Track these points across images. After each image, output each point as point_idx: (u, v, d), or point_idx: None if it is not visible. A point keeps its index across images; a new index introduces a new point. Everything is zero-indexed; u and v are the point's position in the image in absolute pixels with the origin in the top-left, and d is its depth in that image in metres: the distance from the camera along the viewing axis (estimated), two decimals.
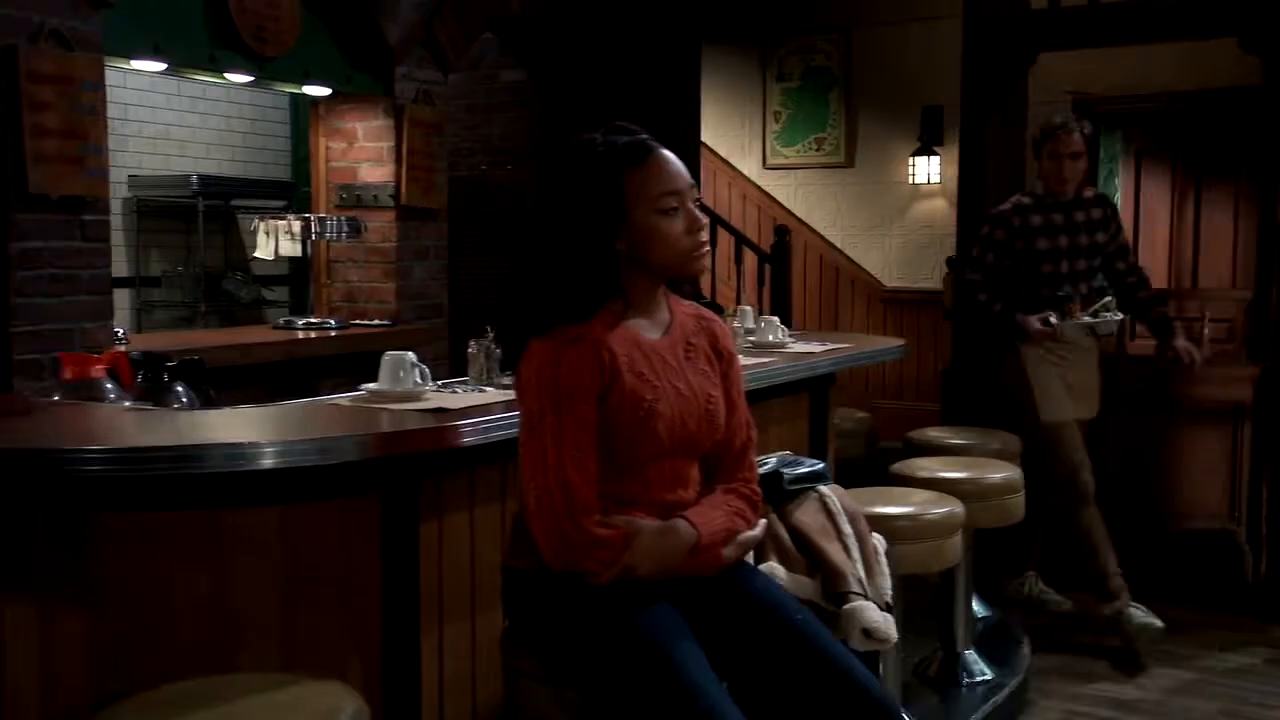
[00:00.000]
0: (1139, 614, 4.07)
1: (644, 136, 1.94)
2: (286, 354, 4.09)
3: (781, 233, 7.23)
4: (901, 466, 3.55)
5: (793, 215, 8.41)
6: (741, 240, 7.62)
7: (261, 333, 4.47)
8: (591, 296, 1.87)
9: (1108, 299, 4.08)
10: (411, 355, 2.37)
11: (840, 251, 8.35)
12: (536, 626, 1.91)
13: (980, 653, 3.67)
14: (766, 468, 2.43)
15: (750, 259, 7.61)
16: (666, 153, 1.94)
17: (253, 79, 4.15)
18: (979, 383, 5.26)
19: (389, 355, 2.36)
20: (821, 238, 8.39)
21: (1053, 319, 4.06)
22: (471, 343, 2.59)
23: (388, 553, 2.17)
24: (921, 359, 7.92)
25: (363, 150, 4.72)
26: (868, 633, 2.22)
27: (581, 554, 1.80)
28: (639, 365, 1.88)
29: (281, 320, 4.52)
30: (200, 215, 6.23)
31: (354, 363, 4.16)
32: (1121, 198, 8.06)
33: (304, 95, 4.67)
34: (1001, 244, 4.18)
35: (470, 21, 4.96)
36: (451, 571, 2.32)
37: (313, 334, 4.36)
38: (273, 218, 4.35)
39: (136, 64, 3.81)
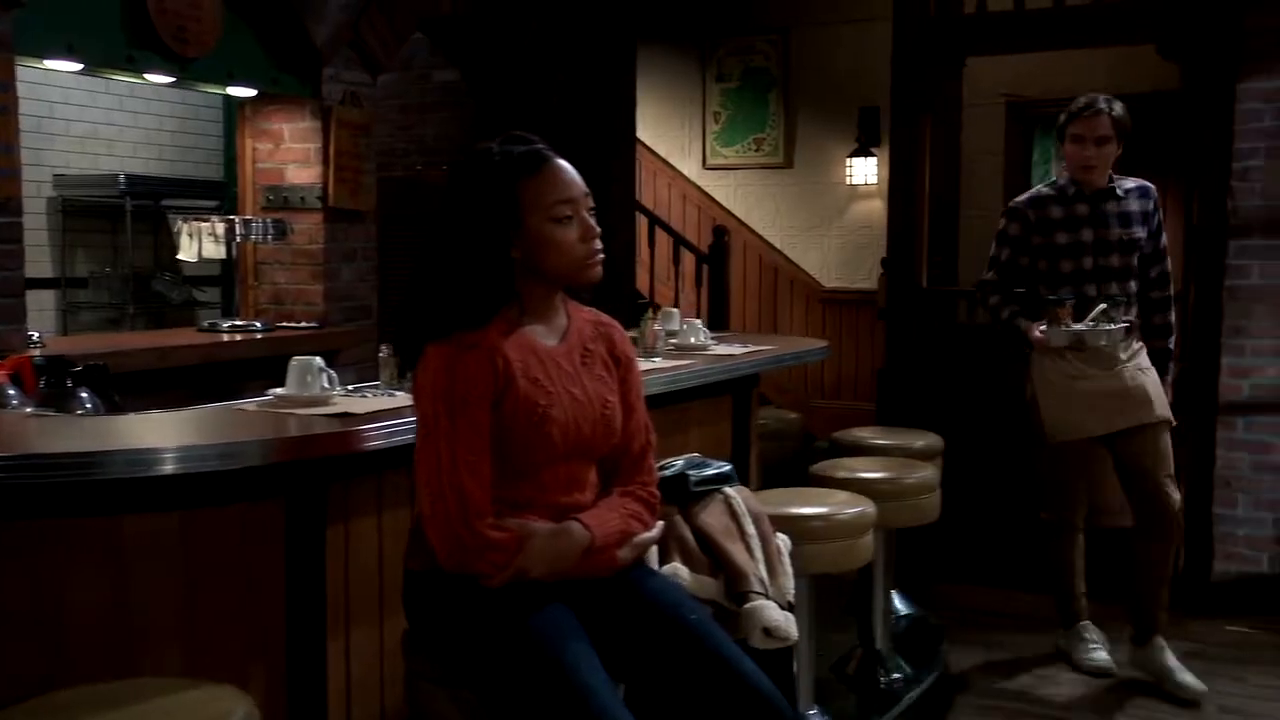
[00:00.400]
0: (1099, 656, 3.95)
1: (540, 146, 2.00)
2: (208, 357, 4.09)
3: (719, 233, 7.32)
4: (821, 467, 3.62)
5: (732, 216, 8.50)
6: (680, 241, 7.70)
7: (184, 335, 4.47)
8: (486, 303, 1.92)
9: (1104, 306, 3.63)
10: (319, 360, 2.41)
11: (779, 252, 8.45)
12: (433, 628, 1.96)
13: (899, 651, 3.76)
14: (673, 470, 2.50)
15: (689, 259, 7.70)
16: (561, 162, 2.00)
17: (174, 80, 4.14)
18: (912, 382, 5.37)
19: (296, 360, 2.39)
20: (761, 238, 8.49)
21: (1042, 327, 3.71)
22: (383, 348, 2.63)
23: (292, 557, 2.21)
24: (860, 359, 8.04)
25: (290, 151, 4.72)
26: (768, 631, 2.29)
27: (475, 557, 1.84)
28: (534, 371, 1.93)
29: (206, 323, 4.51)
30: (128, 215, 6.18)
31: (279, 366, 4.14)
32: None
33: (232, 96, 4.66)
34: (1017, 239, 3.80)
35: (400, 22, 4.99)
36: (359, 575, 2.35)
37: (238, 336, 4.36)
38: (196, 219, 4.35)
39: (50, 64, 3.79)
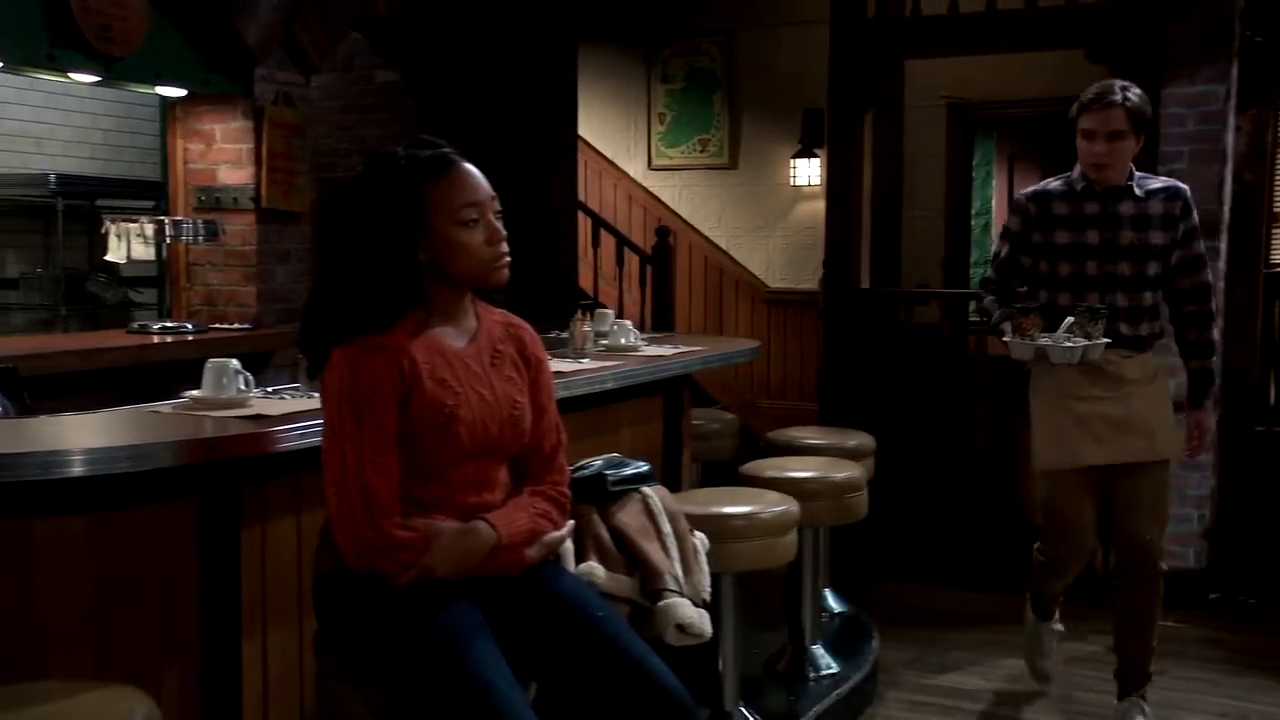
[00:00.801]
0: (1043, 666, 3.79)
1: (446, 150, 2.03)
2: (138, 359, 4.07)
3: (663, 234, 7.37)
4: (750, 467, 3.68)
5: (678, 216, 8.56)
6: (623, 241, 7.75)
7: (112, 337, 4.45)
8: (392, 306, 1.96)
9: (1075, 318, 3.21)
10: (235, 363, 2.42)
11: (724, 252, 8.53)
12: (342, 628, 1.99)
13: (829, 647, 3.83)
14: (591, 470, 2.54)
15: (633, 260, 7.75)
16: (468, 166, 2.03)
17: (99, 79, 4.13)
18: (851, 383, 5.46)
19: (212, 362, 2.41)
20: (706, 239, 8.56)
21: (1007, 337, 3.34)
22: (299, 357, 2.64)
23: (206, 559, 2.23)
24: (805, 360, 8.13)
25: (221, 152, 4.72)
26: (682, 628, 2.34)
27: (381, 556, 1.88)
28: (441, 372, 1.97)
29: (136, 324, 4.50)
30: (59, 216, 6.12)
31: None
32: (996, 200, 8.40)
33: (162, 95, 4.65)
34: (1018, 235, 3.40)
35: (334, 23, 4.99)
36: (276, 577, 2.37)
37: (169, 338, 4.35)
38: (124, 220, 4.34)
39: None
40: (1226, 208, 4.81)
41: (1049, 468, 3.38)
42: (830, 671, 3.70)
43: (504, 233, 2.04)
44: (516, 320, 2.18)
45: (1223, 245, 4.81)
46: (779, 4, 8.03)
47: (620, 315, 8.06)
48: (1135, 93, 3.21)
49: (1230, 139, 4.80)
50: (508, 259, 2.04)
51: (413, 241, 1.96)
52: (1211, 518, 4.91)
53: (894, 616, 4.54)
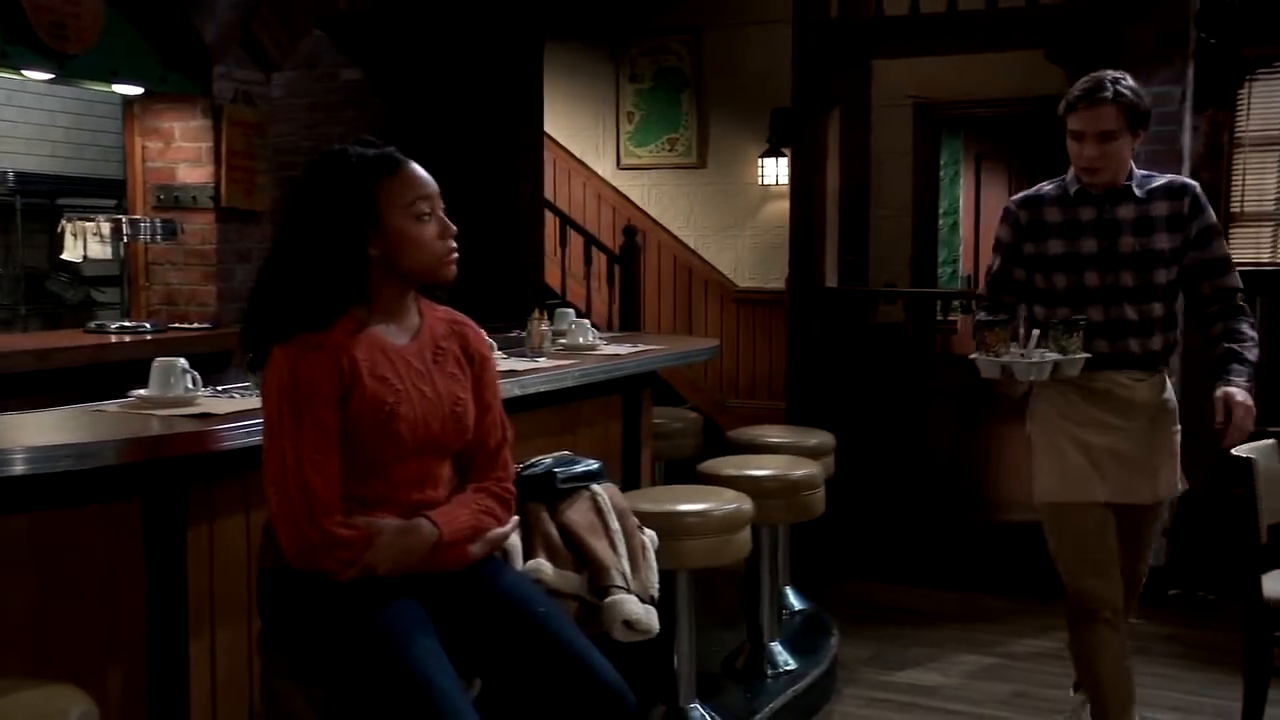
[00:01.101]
0: None
1: (392, 149, 2.05)
2: (95, 359, 4.07)
3: (630, 233, 7.40)
4: (708, 465, 3.71)
5: (647, 215, 8.59)
6: (591, 241, 7.77)
7: (69, 336, 4.44)
8: (336, 302, 1.97)
9: (1049, 330, 2.92)
10: (182, 362, 2.43)
11: (694, 252, 8.56)
12: (285, 626, 2.00)
13: (788, 645, 3.86)
14: (541, 468, 2.56)
15: (601, 259, 7.77)
16: (415, 164, 2.06)
17: (53, 77, 4.12)
18: (816, 382, 5.50)
19: (159, 361, 2.42)
20: (675, 238, 8.59)
21: (974, 354, 3.01)
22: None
23: (151, 558, 2.24)
24: (774, 359, 8.17)
25: (180, 150, 4.71)
26: (629, 624, 2.36)
27: (322, 554, 1.89)
28: (382, 369, 1.99)
29: (94, 324, 4.49)
30: (18, 214, 6.10)
31: None
32: (963, 200, 8.47)
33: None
34: (1009, 247, 3.07)
35: (295, 21, 4.99)
36: (225, 575, 2.38)
37: (127, 338, 4.34)
38: (81, 219, 4.33)
39: None
40: None
41: (1053, 500, 3.00)
42: (788, 669, 3.73)
43: (454, 229, 2.06)
44: (460, 317, 2.20)
45: None
46: (746, 3, 8.06)
47: (588, 314, 8.12)
48: (1128, 85, 2.87)
49: (1187, 139, 4.86)
50: (457, 254, 2.07)
51: (364, 236, 1.98)
52: (1171, 515, 4.98)
53: (856, 614, 4.58)
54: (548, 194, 8.39)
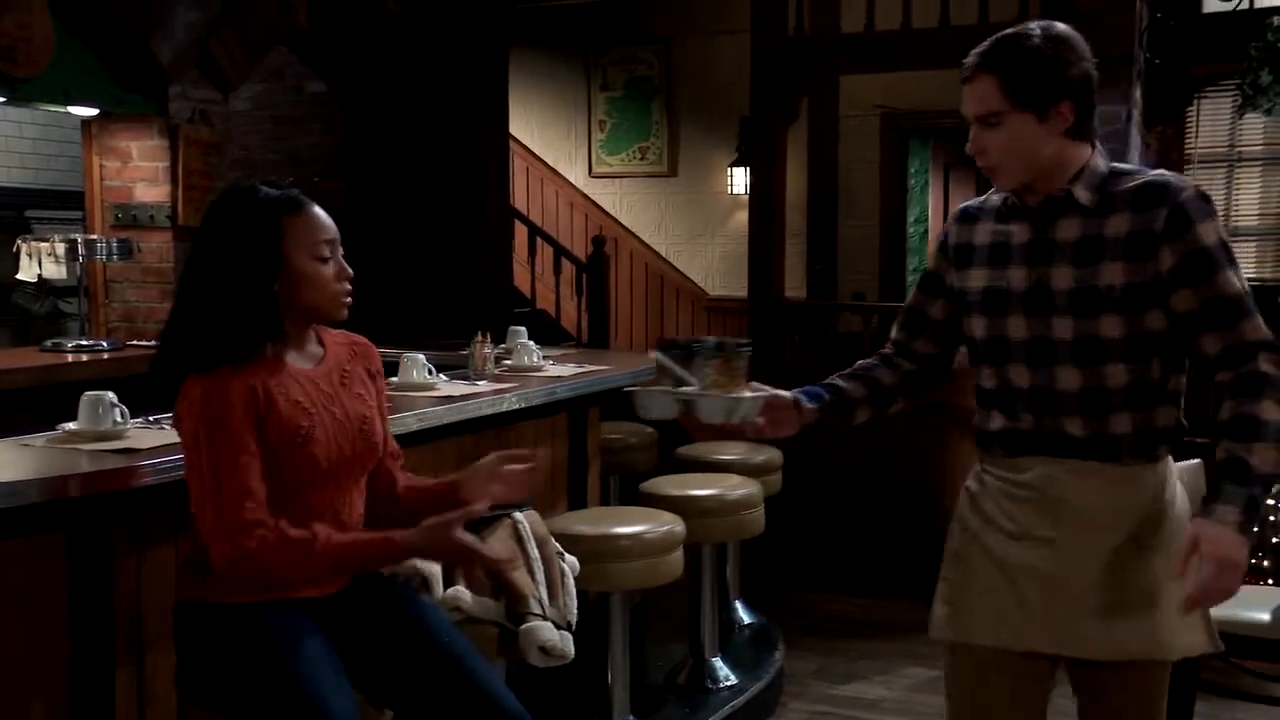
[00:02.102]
0: None
1: (296, 191, 2.14)
2: (49, 379, 4.13)
3: (598, 243, 7.50)
4: (650, 484, 3.80)
5: (618, 223, 8.69)
6: (560, 251, 7.86)
7: (23, 355, 4.51)
8: (252, 338, 2.04)
9: (717, 340, 2.26)
10: (110, 395, 2.51)
11: (665, 260, 8.66)
12: (195, 656, 2.09)
13: (730, 659, 3.95)
14: None
15: (570, 268, 7.86)
16: (317, 207, 2.15)
17: (3, 100, 4.19)
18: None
19: (86, 395, 2.50)
20: (647, 246, 8.69)
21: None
22: None
23: (75, 591, 2.32)
24: None
25: (137, 170, 4.79)
26: (545, 650, 2.45)
27: (246, 566, 1.94)
28: (294, 394, 2.07)
29: (49, 342, 4.56)
30: None
31: (127, 386, 4.21)
32: (932, 209, 8.57)
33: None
34: (928, 277, 2.24)
35: (254, 40, 5.07)
36: (153, 606, 2.46)
37: (84, 357, 4.41)
38: (35, 239, 4.40)
39: None
40: None
41: (941, 637, 2.11)
42: (729, 683, 3.82)
43: (350, 272, 2.15)
44: (358, 338, 2.30)
45: None
46: (715, 12, 8.16)
47: (558, 321, 8.18)
48: (1025, 44, 1.94)
49: (1135, 157, 4.96)
50: (349, 297, 2.15)
51: (269, 273, 2.05)
52: None
53: (805, 626, 4.68)
54: (521, 202, 8.49)
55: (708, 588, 3.84)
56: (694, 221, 8.59)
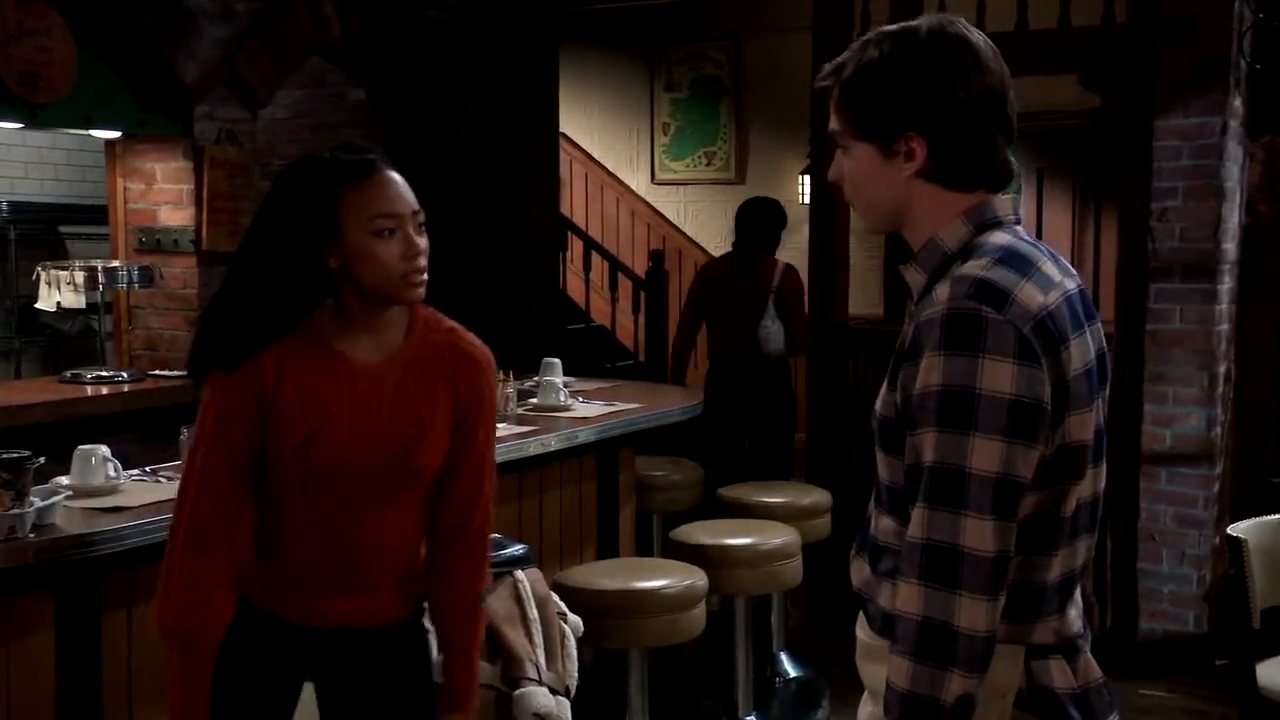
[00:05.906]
0: None
1: (373, 157, 2.10)
2: (67, 413, 4.33)
3: (657, 259, 7.63)
4: (680, 532, 3.91)
5: (682, 233, 8.80)
6: (616, 266, 8.00)
7: (43, 388, 4.74)
8: (284, 317, 2.04)
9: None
10: (103, 450, 2.70)
11: None
12: None
13: (777, 714, 4.04)
14: None
15: (627, 282, 8.00)
16: (392, 174, 2.09)
17: (23, 125, 4.44)
18: (836, 424, 5.63)
19: (79, 450, 2.69)
20: (711, 258, 8.76)
21: None
22: (183, 429, 2.91)
23: (63, 648, 2.51)
24: None
25: (162, 192, 5.02)
26: (540, 717, 2.59)
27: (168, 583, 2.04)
28: (320, 385, 2.04)
29: (69, 373, 4.79)
30: (12, 244, 6.50)
31: (148, 419, 4.43)
32: (1025, 216, 8.53)
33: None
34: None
35: (284, 55, 5.28)
36: (144, 660, 2.65)
37: (103, 389, 4.62)
38: (55, 267, 4.64)
39: None
40: (1227, 246, 4.94)
41: None
42: None
43: (422, 247, 2.08)
44: (473, 346, 2.17)
45: (1224, 287, 4.94)
46: (788, 7, 8.21)
47: (614, 334, 8.31)
48: (863, 56, 1.63)
49: (1235, 171, 4.93)
50: (423, 276, 2.08)
51: (320, 245, 2.03)
52: (1214, 577, 5.04)
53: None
54: (579, 210, 8.64)
55: (741, 642, 3.94)
56: None
